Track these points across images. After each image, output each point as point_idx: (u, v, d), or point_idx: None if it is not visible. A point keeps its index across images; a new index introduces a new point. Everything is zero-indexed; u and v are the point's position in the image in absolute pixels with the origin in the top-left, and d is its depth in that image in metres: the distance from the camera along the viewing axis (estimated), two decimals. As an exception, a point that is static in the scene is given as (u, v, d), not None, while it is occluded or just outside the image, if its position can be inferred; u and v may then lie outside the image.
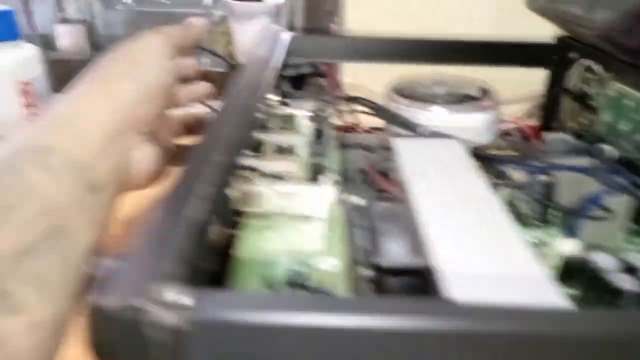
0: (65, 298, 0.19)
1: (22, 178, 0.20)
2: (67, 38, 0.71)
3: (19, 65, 0.41)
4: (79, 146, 0.22)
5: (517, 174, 0.41)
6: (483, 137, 0.44)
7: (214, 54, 0.74)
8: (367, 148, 0.39)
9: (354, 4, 0.61)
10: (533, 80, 0.59)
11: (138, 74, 0.26)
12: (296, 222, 0.29)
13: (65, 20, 0.72)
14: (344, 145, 0.41)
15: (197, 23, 0.35)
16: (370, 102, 0.41)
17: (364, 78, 0.51)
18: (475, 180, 0.32)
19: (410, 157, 0.35)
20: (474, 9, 0.61)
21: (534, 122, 0.53)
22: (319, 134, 0.37)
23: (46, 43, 0.72)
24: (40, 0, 0.71)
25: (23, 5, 0.68)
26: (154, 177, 0.29)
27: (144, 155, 0.27)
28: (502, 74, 0.54)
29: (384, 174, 0.36)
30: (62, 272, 0.19)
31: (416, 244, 0.26)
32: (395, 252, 0.26)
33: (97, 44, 0.73)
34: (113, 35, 0.73)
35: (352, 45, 0.54)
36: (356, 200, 0.31)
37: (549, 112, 0.51)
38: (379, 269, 0.25)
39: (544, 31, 0.56)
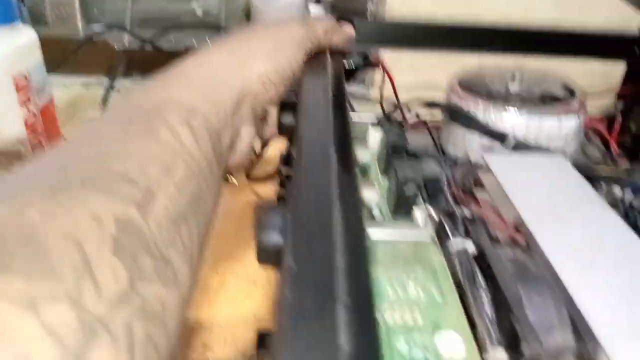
0: (198, 269, 0.18)
1: (174, 133, 0.19)
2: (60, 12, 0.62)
3: (14, 55, 0.32)
4: (215, 112, 0.22)
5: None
6: (570, 146, 0.38)
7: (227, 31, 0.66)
8: (449, 163, 0.32)
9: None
10: (600, 71, 0.52)
11: (275, 56, 0.26)
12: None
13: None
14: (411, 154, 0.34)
15: (348, 32, 0.33)
16: (453, 107, 0.34)
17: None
18: (608, 214, 0.26)
19: (517, 183, 0.28)
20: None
21: (606, 119, 0.46)
22: (394, 148, 0.30)
23: (35, 17, 0.62)
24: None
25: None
26: (243, 163, 0.27)
27: (246, 135, 0.25)
28: (570, 64, 0.48)
29: (474, 197, 0.30)
30: (199, 241, 0.18)
31: (570, 319, 0.20)
32: (546, 330, 0.20)
33: (91, 19, 0.64)
34: (108, 10, 0.64)
35: (401, 30, 0.47)
36: (462, 244, 0.24)
37: (627, 112, 0.45)
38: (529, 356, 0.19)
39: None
